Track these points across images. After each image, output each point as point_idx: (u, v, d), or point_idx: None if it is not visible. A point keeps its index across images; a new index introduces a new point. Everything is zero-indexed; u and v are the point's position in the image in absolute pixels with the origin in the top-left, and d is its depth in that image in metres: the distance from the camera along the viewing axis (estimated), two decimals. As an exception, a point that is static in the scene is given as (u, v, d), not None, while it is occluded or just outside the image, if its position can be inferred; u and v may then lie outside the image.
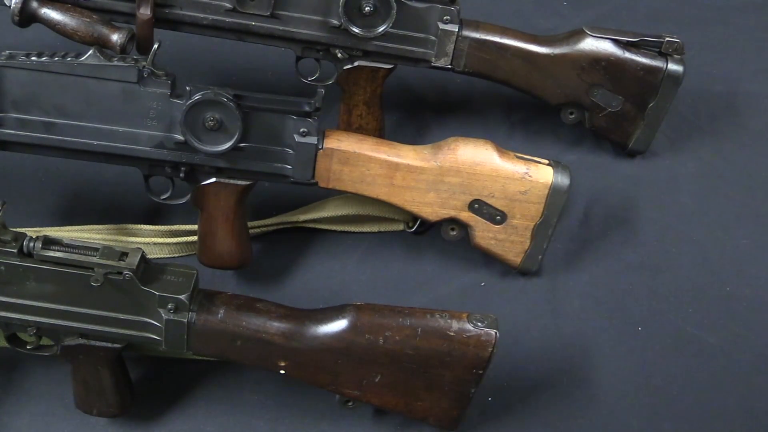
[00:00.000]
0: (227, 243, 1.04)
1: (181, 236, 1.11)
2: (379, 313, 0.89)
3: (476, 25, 1.13)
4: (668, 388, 1.04)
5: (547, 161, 1.03)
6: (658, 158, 1.27)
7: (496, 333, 0.87)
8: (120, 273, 0.84)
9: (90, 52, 0.92)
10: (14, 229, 0.86)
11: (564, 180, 1.02)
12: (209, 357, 0.94)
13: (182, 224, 1.11)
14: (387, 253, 1.15)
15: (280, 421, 0.99)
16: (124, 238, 1.10)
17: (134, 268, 0.84)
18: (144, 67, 0.93)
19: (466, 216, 1.05)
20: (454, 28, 1.11)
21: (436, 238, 1.10)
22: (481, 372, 0.89)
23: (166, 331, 0.88)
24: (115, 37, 0.99)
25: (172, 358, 0.99)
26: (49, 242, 0.85)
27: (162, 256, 1.11)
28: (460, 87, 1.34)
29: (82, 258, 0.84)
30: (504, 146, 1.04)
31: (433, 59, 1.13)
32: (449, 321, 0.88)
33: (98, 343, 0.90)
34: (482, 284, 1.12)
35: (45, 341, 0.92)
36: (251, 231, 1.09)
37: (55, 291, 0.86)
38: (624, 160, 1.26)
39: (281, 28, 1.08)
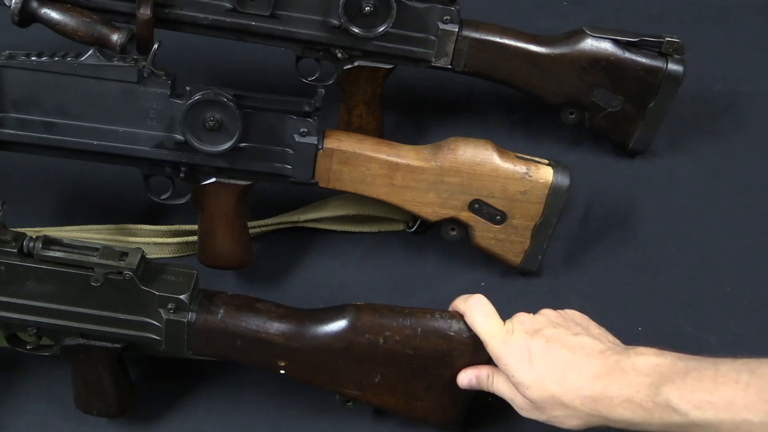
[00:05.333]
0: (227, 243, 1.04)
1: (181, 236, 1.11)
2: (379, 313, 0.89)
3: (476, 25, 1.13)
4: (668, 388, 1.04)
5: (547, 161, 1.03)
6: (658, 158, 1.27)
7: (496, 333, 0.87)
8: (120, 273, 0.84)
9: (90, 52, 0.92)
10: (14, 229, 0.86)
11: (564, 180, 1.02)
12: (209, 357, 0.94)
13: (182, 224, 1.11)
14: (387, 253, 1.15)
15: (281, 421, 0.99)
16: (124, 238, 1.10)
17: (134, 268, 0.84)
18: (144, 67, 0.93)
19: (466, 216, 1.05)
20: (454, 28, 1.11)
21: (436, 238, 1.10)
22: (481, 372, 0.89)
23: (166, 331, 0.88)
24: (115, 37, 0.99)
25: (172, 358, 0.99)
26: (49, 242, 0.85)
27: (162, 256, 1.11)
28: (460, 87, 1.34)
29: (82, 258, 0.84)
30: (504, 146, 1.04)
31: (433, 59, 1.13)
32: (449, 321, 0.88)
33: (98, 343, 0.90)
34: (482, 284, 1.12)
35: (45, 341, 0.92)
36: (251, 231, 1.09)
37: (55, 291, 0.86)
38: (624, 160, 1.26)
39: (281, 28, 1.08)
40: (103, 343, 0.90)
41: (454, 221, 1.06)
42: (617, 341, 0.83)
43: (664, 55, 1.15)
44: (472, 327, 0.86)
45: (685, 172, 1.26)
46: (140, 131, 0.95)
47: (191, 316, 0.87)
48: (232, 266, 1.07)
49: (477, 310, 0.86)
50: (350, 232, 1.16)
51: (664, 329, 1.09)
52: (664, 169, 1.26)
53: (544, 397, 0.79)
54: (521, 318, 0.85)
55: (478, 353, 0.87)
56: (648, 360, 0.77)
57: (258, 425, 0.99)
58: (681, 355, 0.77)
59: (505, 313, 0.87)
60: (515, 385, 0.82)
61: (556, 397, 0.78)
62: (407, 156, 1.02)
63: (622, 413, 0.75)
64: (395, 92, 1.29)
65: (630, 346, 0.81)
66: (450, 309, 0.90)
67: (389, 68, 1.13)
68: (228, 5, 1.06)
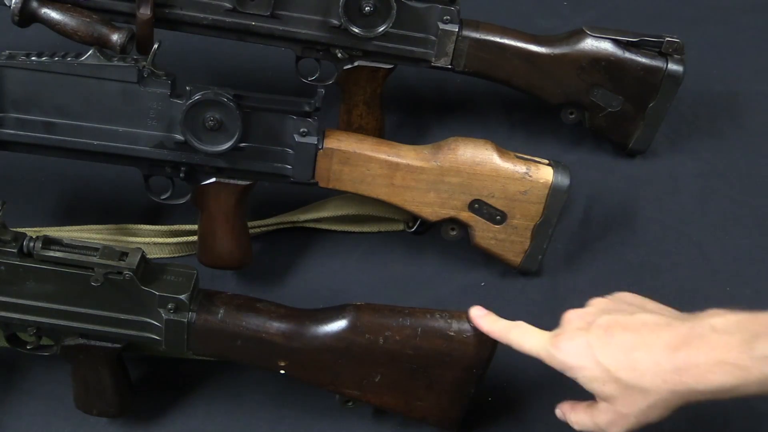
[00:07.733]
0: (227, 243, 1.04)
1: (181, 236, 1.11)
2: (379, 313, 0.89)
3: (476, 25, 1.13)
4: (668, 388, 1.04)
5: (547, 161, 1.03)
6: (658, 158, 1.27)
7: (496, 333, 0.87)
8: (120, 273, 0.84)
9: (90, 52, 0.92)
10: (14, 229, 0.86)
11: (564, 180, 1.02)
12: (209, 357, 0.94)
13: (182, 224, 1.11)
14: (387, 253, 1.15)
15: (280, 421, 0.99)
16: (124, 238, 1.10)
17: (134, 268, 0.84)
18: (144, 67, 0.93)
19: (466, 216, 1.05)
20: (454, 28, 1.11)
21: (436, 238, 1.10)
22: (480, 372, 0.89)
23: (166, 331, 0.88)
24: (115, 37, 0.99)
25: (172, 358, 0.99)
26: (49, 242, 0.85)
27: (162, 256, 1.11)
28: (460, 87, 1.34)
29: (82, 258, 0.84)
30: (504, 146, 1.04)
31: (433, 59, 1.13)
32: (449, 321, 0.88)
33: (98, 343, 0.90)
34: (482, 284, 1.12)
35: (45, 341, 0.92)
36: (251, 231, 1.09)
37: (55, 291, 0.86)
38: (624, 160, 1.26)
39: (281, 28, 1.08)
40: (103, 343, 0.90)
41: (454, 221, 1.06)
42: (679, 313, 0.77)
43: (664, 55, 1.15)
44: (521, 350, 0.82)
45: (685, 172, 1.26)
46: (140, 131, 0.95)
47: (191, 316, 0.87)
48: (232, 266, 1.07)
49: (516, 334, 0.82)
50: (350, 232, 1.16)
51: (664, 329, 1.09)
52: (664, 169, 1.26)
53: (620, 389, 0.73)
54: (569, 317, 0.80)
55: (478, 353, 0.87)
56: (726, 319, 0.71)
57: (258, 425, 0.99)
58: (752, 311, 0.71)
59: (505, 313, 0.87)
60: (588, 386, 0.76)
61: (632, 384, 0.73)
62: (407, 156, 1.02)
63: (713, 378, 0.69)
64: (395, 92, 1.29)
65: (693, 313, 0.74)
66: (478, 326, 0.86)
67: (389, 68, 1.13)
68: (228, 5, 1.06)
